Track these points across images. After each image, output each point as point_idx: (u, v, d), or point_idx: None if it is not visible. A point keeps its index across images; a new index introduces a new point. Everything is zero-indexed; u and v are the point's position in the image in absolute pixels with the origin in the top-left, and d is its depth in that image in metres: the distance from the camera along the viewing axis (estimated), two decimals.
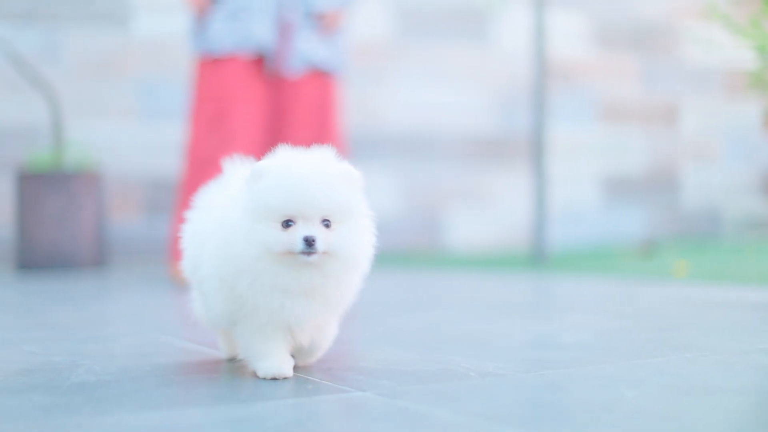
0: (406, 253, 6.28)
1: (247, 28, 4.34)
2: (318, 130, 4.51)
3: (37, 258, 5.03)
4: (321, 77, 4.55)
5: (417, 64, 6.73)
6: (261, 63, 4.47)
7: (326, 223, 1.72)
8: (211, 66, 4.41)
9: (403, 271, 4.80)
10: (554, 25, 6.61)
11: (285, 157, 1.77)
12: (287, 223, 1.70)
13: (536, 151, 5.36)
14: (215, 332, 2.06)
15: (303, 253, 1.69)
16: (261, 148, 4.42)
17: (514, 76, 6.95)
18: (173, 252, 4.36)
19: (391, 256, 5.78)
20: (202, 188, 1.99)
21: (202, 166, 4.26)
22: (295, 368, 1.89)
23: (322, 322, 1.85)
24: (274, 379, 1.80)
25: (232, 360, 2.04)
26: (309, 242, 1.68)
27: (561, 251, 6.15)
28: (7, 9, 5.64)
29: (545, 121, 5.37)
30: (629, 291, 3.56)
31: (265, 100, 4.52)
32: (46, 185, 5.04)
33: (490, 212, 6.98)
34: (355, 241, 1.75)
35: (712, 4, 7.08)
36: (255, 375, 1.83)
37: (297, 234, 1.69)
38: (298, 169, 1.72)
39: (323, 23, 4.50)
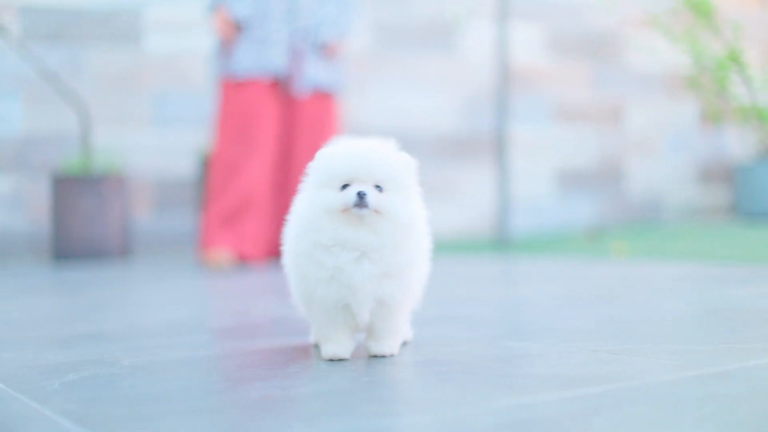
0: None
1: (266, 56, 5.00)
2: (320, 144, 5.20)
3: (70, 250, 5.58)
4: (323, 97, 5.22)
5: (392, 73, 7.03)
6: (276, 85, 5.12)
7: (379, 188, 1.85)
8: (235, 87, 5.05)
9: None
10: (514, 35, 6.84)
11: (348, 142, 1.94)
12: (344, 187, 1.84)
13: (499, 148, 5.93)
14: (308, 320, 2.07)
15: (356, 206, 1.81)
16: (276, 158, 5.12)
17: (479, 81, 7.19)
18: (204, 241, 5.07)
19: None
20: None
21: (227, 173, 4.87)
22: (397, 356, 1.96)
23: (383, 297, 1.87)
24: (332, 360, 1.91)
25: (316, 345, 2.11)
26: (361, 196, 1.81)
27: (522, 237, 6.48)
28: (36, 30, 6.11)
29: (506, 121, 5.90)
30: (575, 268, 4.26)
31: (280, 116, 5.17)
32: (77, 187, 5.56)
33: (458, 203, 7.21)
34: (405, 207, 1.85)
35: (654, 16, 7.44)
36: (319, 355, 1.96)
37: (351, 191, 1.82)
38: (356, 145, 1.90)
39: (327, 51, 5.18)
